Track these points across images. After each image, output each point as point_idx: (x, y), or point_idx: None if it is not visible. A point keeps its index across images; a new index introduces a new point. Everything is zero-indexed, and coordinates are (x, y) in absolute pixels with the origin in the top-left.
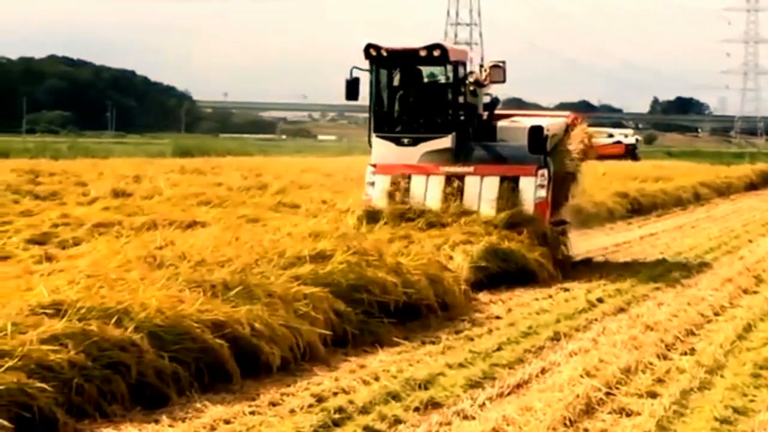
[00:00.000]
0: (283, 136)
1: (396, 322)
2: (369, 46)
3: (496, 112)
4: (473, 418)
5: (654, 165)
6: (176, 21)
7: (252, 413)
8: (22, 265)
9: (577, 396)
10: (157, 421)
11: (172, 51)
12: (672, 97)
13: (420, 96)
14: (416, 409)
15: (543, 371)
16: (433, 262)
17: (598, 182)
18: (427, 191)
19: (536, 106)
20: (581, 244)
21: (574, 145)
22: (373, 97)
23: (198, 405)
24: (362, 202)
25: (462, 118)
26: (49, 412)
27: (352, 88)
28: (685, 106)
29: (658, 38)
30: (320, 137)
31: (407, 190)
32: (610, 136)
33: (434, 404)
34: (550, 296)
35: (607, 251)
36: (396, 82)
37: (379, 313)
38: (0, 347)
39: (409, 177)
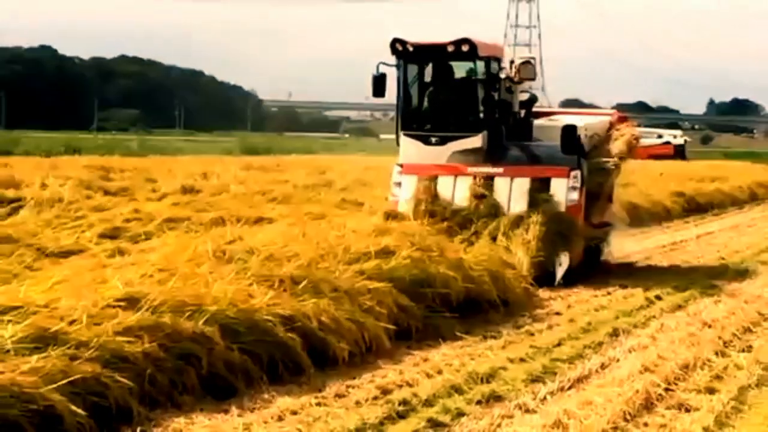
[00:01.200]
0: (347, 135)
1: (457, 316)
2: (395, 41)
3: (537, 109)
4: (534, 411)
5: (710, 165)
6: (244, 22)
7: (318, 404)
8: (96, 258)
9: (637, 391)
10: (226, 411)
11: (239, 51)
12: (728, 99)
13: (449, 93)
14: (479, 402)
15: (602, 367)
16: (495, 258)
17: (655, 182)
18: (455, 192)
19: (594, 107)
20: (640, 243)
21: (617, 144)
22: (400, 94)
23: (266, 396)
24: (388, 204)
25: (494, 116)
26: (124, 402)
27: (378, 84)
28: (740, 107)
29: (715, 40)
30: (382, 136)
31: (435, 191)
32: (659, 136)
33: (496, 397)
34: (609, 293)
35: (665, 249)
36: (424, 78)
37: (441, 307)
38: (77, 338)
39: (437, 177)
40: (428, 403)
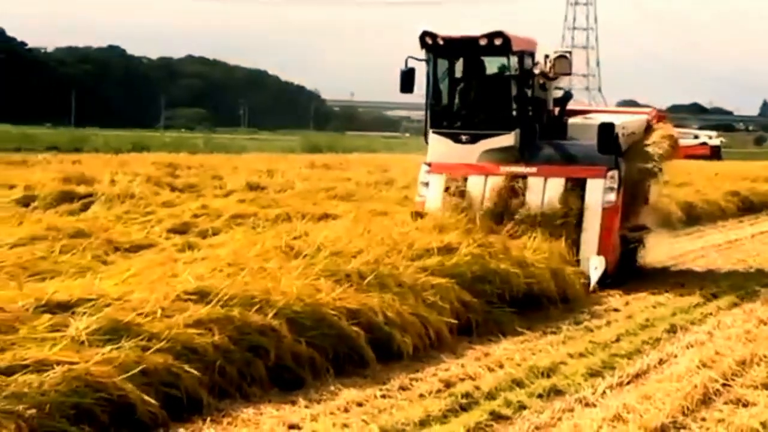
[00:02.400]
0: (407, 134)
1: (517, 312)
2: (425, 34)
3: (571, 107)
4: (594, 405)
5: (765, 166)
6: (306, 23)
7: (383, 397)
8: (166, 253)
9: (695, 386)
10: (293, 403)
11: (303, 52)
12: None
13: (481, 89)
14: (539, 396)
15: (661, 362)
16: (555, 254)
17: (710, 182)
18: (485, 193)
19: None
20: (695, 242)
21: (655, 144)
22: (429, 90)
23: (332, 388)
24: (415, 204)
25: (527, 113)
26: (194, 392)
27: (406, 79)
28: None
29: None
30: None
31: (464, 191)
32: (696, 137)
33: (557, 391)
34: (666, 290)
35: (720, 248)
36: (455, 73)
37: (502, 303)
38: (149, 330)
39: (466, 177)
40: (490, 396)
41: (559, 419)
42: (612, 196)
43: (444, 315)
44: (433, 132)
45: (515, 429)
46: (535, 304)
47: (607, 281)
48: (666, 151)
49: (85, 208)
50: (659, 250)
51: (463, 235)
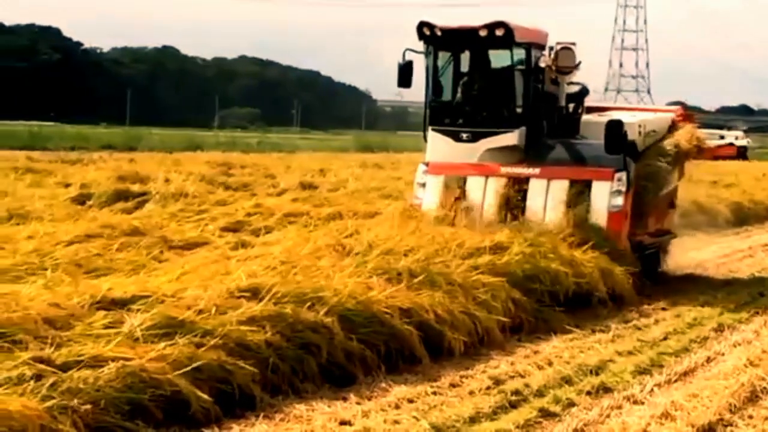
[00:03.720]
0: None
1: (566, 310)
2: (422, 25)
3: (590, 104)
4: (642, 402)
5: None
6: (359, 24)
7: (434, 393)
8: (220, 250)
9: (742, 384)
10: (345, 399)
11: (356, 53)
12: None
13: (484, 84)
14: (588, 393)
15: (708, 360)
16: (604, 255)
17: (758, 182)
18: (485, 195)
19: (698, 110)
20: (744, 241)
21: (678, 144)
22: (429, 84)
23: (383, 385)
24: (411, 206)
25: (534, 110)
26: (247, 388)
27: (404, 73)
28: None
29: None
30: None
31: (463, 192)
32: (722, 137)
33: (605, 389)
34: (714, 289)
35: (767, 248)
36: (457, 67)
37: (551, 301)
38: (202, 326)
39: (466, 178)
40: (539, 393)
41: (608, 416)
42: (619, 200)
43: (494, 313)
44: (433, 130)
45: (564, 426)
46: (584, 303)
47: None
48: (690, 151)
49: (140, 206)
50: (707, 249)
51: (513, 233)
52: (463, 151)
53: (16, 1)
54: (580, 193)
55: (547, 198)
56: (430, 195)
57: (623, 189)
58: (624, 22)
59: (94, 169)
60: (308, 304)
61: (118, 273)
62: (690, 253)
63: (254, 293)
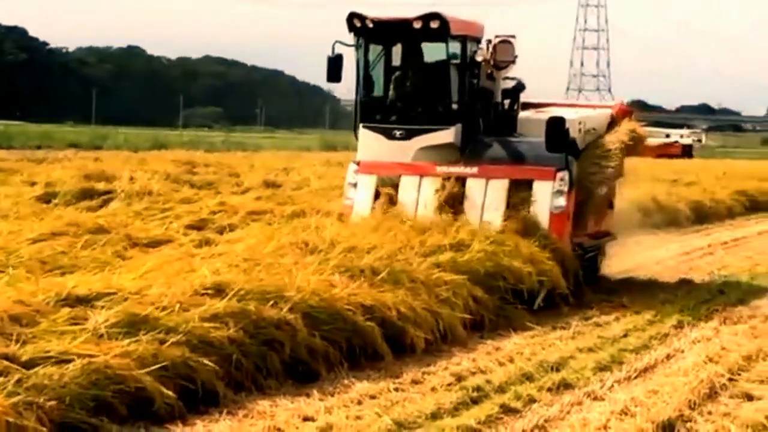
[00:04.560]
0: None
1: (528, 308)
2: (352, 16)
3: (526, 101)
4: (603, 399)
5: None
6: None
7: (396, 390)
8: (184, 248)
9: (701, 381)
10: (308, 395)
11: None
12: None
13: (418, 79)
14: (549, 390)
15: (668, 357)
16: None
17: (718, 181)
18: (420, 196)
19: (660, 109)
20: (703, 239)
21: (616, 141)
22: (360, 79)
23: (346, 381)
24: (342, 208)
25: (470, 106)
26: (211, 385)
27: (333, 67)
28: None
29: None
30: None
31: (396, 193)
32: (668, 136)
33: (566, 385)
34: (673, 286)
35: (727, 246)
36: (389, 61)
37: (513, 299)
38: (166, 323)
39: (399, 178)
40: (500, 389)
41: (568, 412)
42: (562, 201)
43: (457, 310)
44: (364, 127)
45: (525, 422)
46: (546, 300)
47: (556, 301)
48: (629, 149)
49: (105, 204)
50: (668, 247)
51: (475, 231)
52: (396, 150)
53: None
54: (520, 194)
55: (485, 198)
56: (361, 196)
57: (565, 189)
58: (585, 21)
59: (59, 167)
60: (271, 301)
61: (83, 270)
62: (650, 251)
63: (218, 290)
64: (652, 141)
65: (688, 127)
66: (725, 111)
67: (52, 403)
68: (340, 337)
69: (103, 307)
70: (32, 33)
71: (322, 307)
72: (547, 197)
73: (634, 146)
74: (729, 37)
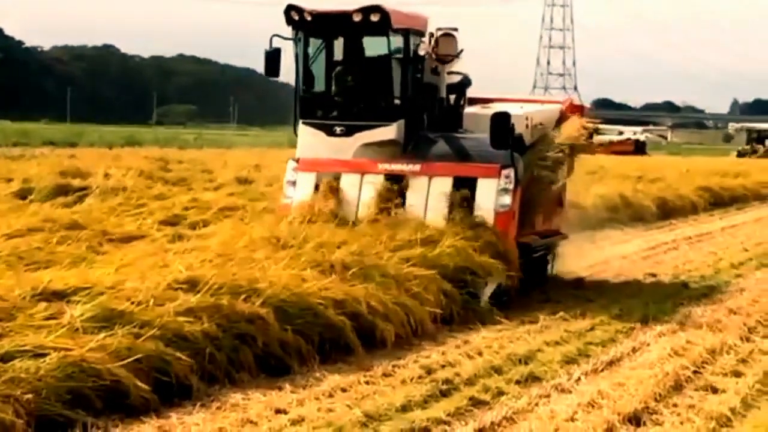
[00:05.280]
0: None
1: (496, 302)
2: (290, 8)
3: (473, 96)
4: (570, 391)
5: (733, 161)
6: None
7: (367, 383)
8: (157, 243)
9: (667, 374)
10: (280, 388)
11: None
12: (750, 99)
13: (359, 73)
14: (517, 382)
15: (634, 350)
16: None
17: (682, 177)
18: (361, 194)
19: (625, 107)
20: (668, 235)
21: (566, 137)
22: (299, 74)
23: (317, 374)
24: (280, 207)
25: (414, 102)
26: (185, 378)
27: (271, 61)
28: (763, 107)
29: (740, 42)
30: None
31: (337, 191)
32: (621, 133)
33: (534, 378)
34: (638, 281)
35: (691, 241)
36: (330, 55)
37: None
38: (141, 318)
39: (339, 176)
40: (470, 382)
41: (536, 405)
42: (507, 199)
43: (426, 305)
44: (303, 123)
45: (494, 414)
46: (495, 298)
47: (504, 299)
48: (578, 145)
49: (80, 200)
50: (633, 242)
51: (445, 227)
52: (337, 147)
53: None
54: (464, 192)
55: (428, 196)
56: (300, 194)
57: (511, 187)
58: (551, 20)
59: (35, 164)
60: (244, 295)
61: (58, 266)
62: (616, 246)
63: (191, 285)
64: (604, 138)
65: (654, 124)
66: (690, 109)
67: (29, 395)
68: (311, 331)
69: (78, 301)
70: (8, 32)
71: (293, 302)
72: (491, 195)
73: (583, 142)
74: (694, 38)
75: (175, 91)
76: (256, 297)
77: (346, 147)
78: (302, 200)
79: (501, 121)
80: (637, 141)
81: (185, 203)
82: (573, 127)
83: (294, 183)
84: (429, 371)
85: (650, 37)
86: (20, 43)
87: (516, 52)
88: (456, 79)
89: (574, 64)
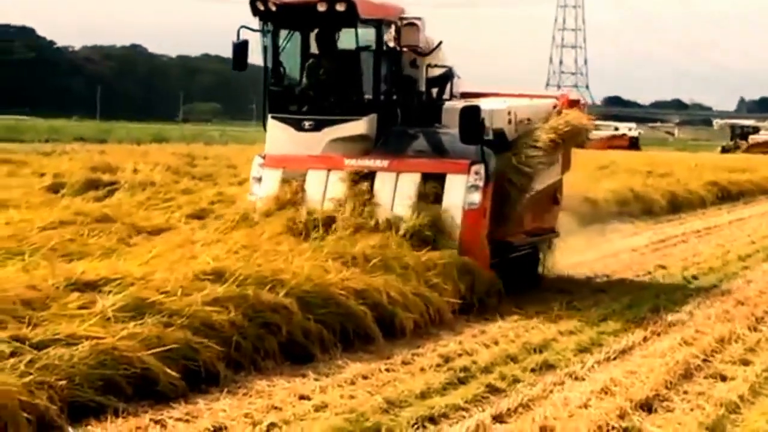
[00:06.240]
0: None
1: (512, 293)
2: None
3: (464, 90)
4: (583, 379)
5: (742, 157)
6: None
7: (387, 370)
8: (184, 236)
9: (677, 362)
10: (304, 375)
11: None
12: (757, 98)
13: (328, 66)
14: (532, 370)
15: (645, 339)
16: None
17: (691, 173)
18: (327, 191)
19: (634, 104)
20: (677, 228)
21: (555, 132)
22: (268, 67)
23: (339, 362)
24: (246, 204)
25: (386, 95)
26: (212, 366)
27: (238, 54)
28: None
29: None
30: None
31: (302, 188)
32: (616, 129)
33: (548, 366)
34: (650, 273)
35: (700, 234)
36: (300, 47)
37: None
38: (170, 307)
39: (306, 172)
40: (486, 370)
41: (551, 392)
42: (476, 197)
43: (445, 295)
44: (272, 118)
45: (510, 401)
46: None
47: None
48: (570, 140)
49: (110, 194)
50: (644, 235)
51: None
52: (306, 142)
53: None
54: (433, 189)
55: (395, 193)
56: (265, 191)
57: (480, 184)
58: (564, 21)
59: (67, 159)
60: (268, 286)
61: (90, 257)
62: (627, 239)
63: (218, 276)
64: (600, 133)
65: (662, 121)
66: (697, 106)
67: (62, 382)
68: (333, 320)
69: (110, 291)
70: (40, 32)
71: (316, 292)
72: (460, 192)
73: (574, 138)
74: (703, 38)
75: (200, 89)
76: (280, 287)
77: (315, 142)
78: (267, 197)
79: (470, 115)
80: (631, 137)
81: (211, 197)
82: (560, 122)
83: (259, 179)
84: (447, 359)
85: (661, 38)
86: (52, 43)
87: (530, 52)
88: (438, 72)
89: (585, 62)
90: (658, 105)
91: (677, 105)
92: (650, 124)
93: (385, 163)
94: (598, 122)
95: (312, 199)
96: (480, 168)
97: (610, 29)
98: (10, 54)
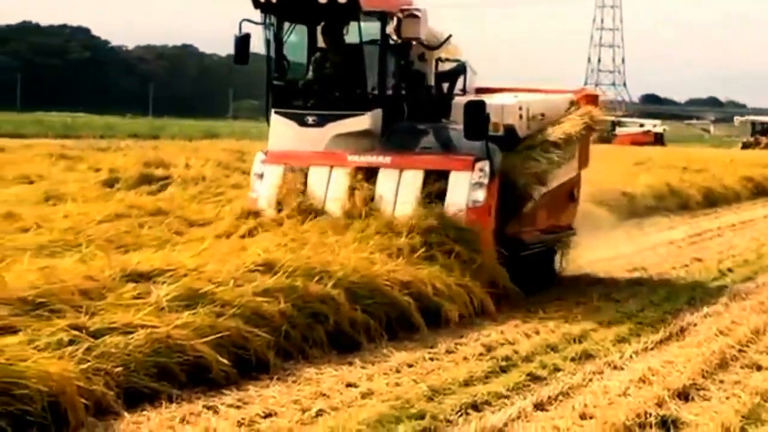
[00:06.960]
0: None
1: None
2: None
3: (482, 86)
4: (622, 368)
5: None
6: None
7: (431, 359)
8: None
9: (713, 352)
10: (350, 364)
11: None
12: None
13: (332, 60)
14: (572, 359)
15: (681, 330)
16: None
17: (726, 168)
18: (329, 188)
19: (670, 102)
20: (713, 222)
21: (570, 128)
22: (270, 61)
23: (385, 351)
24: (247, 201)
25: (393, 90)
26: (262, 354)
27: (240, 48)
28: None
29: None
30: None
31: (305, 185)
32: (641, 125)
33: (588, 355)
34: (686, 266)
35: (735, 228)
36: (304, 41)
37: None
38: (222, 298)
39: (308, 168)
40: (527, 359)
41: (590, 380)
42: (480, 194)
43: (487, 287)
44: (275, 113)
45: (550, 389)
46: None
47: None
48: (586, 136)
49: (163, 189)
50: (680, 229)
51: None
52: (310, 138)
53: (51, 4)
54: (437, 186)
55: (398, 190)
56: (267, 188)
57: (485, 181)
58: (602, 21)
59: (121, 155)
60: (317, 277)
61: (145, 249)
62: (663, 232)
63: (268, 267)
64: (627, 130)
65: (697, 118)
66: (732, 104)
67: (118, 369)
68: (379, 311)
69: (164, 282)
70: (95, 32)
71: (363, 283)
72: (464, 190)
73: (590, 133)
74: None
75: (248, 87)
76: (328, 279)
77: (319, 138)
78: (269, 194)
79: (475, 110)
80: (656, 133)
81: None
82: (575, 118)
83: (261, 176)
84: (489, 349)
85: (696, 36)
86: (106, 42)
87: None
88: (449, 66)
89: (623, 61)
90: (693, 102)
91: (713, 102)
92: (686, 122)
93: (388, 159)
94: (625, 119)
95: (314, 196)
96: (485, 165)
97: (649, 29)
98: (66, 53)
